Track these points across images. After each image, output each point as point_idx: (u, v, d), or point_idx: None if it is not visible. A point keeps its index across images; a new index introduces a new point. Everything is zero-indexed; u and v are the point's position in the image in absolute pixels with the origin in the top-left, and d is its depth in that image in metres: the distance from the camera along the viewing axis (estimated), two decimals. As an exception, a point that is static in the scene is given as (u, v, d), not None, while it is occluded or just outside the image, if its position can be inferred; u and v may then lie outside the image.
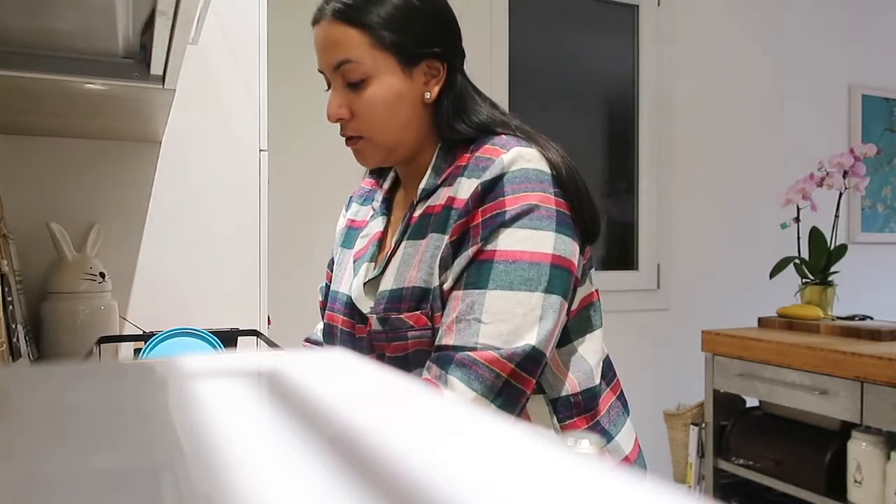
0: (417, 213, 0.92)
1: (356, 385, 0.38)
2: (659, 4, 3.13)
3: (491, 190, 0.83)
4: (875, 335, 2.19)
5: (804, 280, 2.56)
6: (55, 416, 0.32)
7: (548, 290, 0.81)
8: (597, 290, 0.95)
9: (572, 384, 0.90)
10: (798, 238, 2.56)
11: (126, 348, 1.27)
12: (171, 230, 1.41)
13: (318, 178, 2.48)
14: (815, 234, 2.53)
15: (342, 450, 0.26)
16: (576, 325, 0.91)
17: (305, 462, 0.25)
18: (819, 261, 2.52)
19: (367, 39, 0.87)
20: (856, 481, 2.01)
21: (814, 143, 3.35)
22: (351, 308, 0.95)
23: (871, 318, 2.46)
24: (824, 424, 2.17)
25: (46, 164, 1.34)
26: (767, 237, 3.02)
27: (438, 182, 0.90)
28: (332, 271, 1.08)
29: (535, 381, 0.82)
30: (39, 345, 1.24)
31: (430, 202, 0.90)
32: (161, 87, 0.93)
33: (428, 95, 0.91)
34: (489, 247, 0.81)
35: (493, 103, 0.96)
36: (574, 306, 0.90)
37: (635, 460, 0.96)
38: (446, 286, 0.84)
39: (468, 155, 0.88)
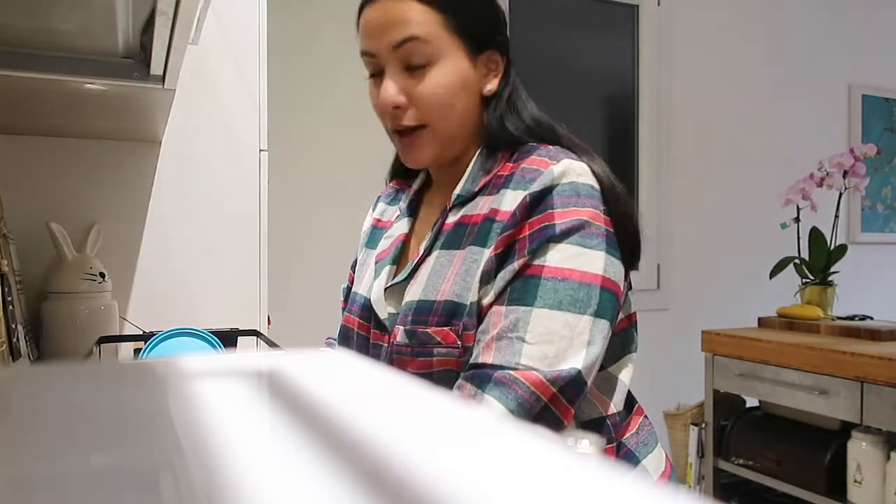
0: (451, 220, 0.86)
1: (356, 385, 0.38)
2: (659, 4, 3.13)
3: (540, 202, 0.78)
4: (875, 335, 2.19)
5: (804, 280, 2.56)
6: (55, 416, 0.32)
7: (597, 314, 0.76)
8: (635, 313, 0.90)
9: (606, 407, 0.84)
10: (798, 238, 2.56)
11: (126, 348, 1.27)
12: (171, 230, 1.41)
13: (318, 178, 2.48)
14: (815, 234, 2.53)
15: (342, 450, 0.26)
16: (611, 351, 0.84)
17: (305, 462, 0.25)
18: (819, 261, 2.52)
19: (438, 18, 0.81)
20: (856, 481, 2.01)
21: (814, 143, 3.35)
22: (368, 311, 0.90)
23: (871, 318, 2.46)
24: (824, 424, 2.17)
25: (46, 164, 1.34)
26: (767, 237, 3.02)
27: (476, 189, 0.85)
28: (354, 273, 1.04)
29: (573, 412, 0.76)
30: (39, 345, 1.24)
31: (466, 210, 0.85)
32: (161, 87, 0.93)
33: (488, 88, 0.86)
34: (537, 261, 0.76)
35: (539, 108, 0.91)
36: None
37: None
38: (486, 301, 0.79)
39: (511, 164, 0.83)
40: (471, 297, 0.79)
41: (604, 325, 0.77)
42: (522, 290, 0.76)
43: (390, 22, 0.82)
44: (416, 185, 0.99)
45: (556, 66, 3.00)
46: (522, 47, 2.88)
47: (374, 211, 1.06)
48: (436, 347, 0.80)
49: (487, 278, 0.79)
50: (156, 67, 0.89)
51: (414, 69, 0.82)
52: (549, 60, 2.99)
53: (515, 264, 0.77)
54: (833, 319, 2.43)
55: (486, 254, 0.79)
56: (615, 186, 0.82)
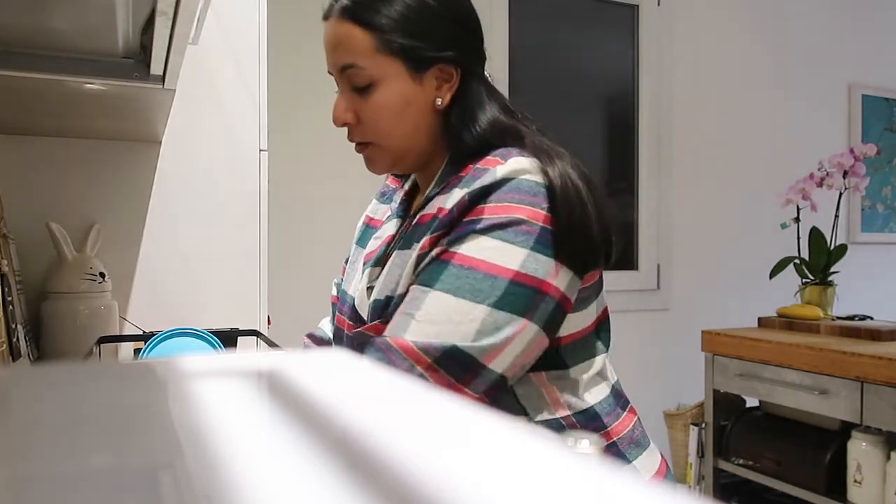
0: (414, 221, 0.88)
1: (356, 385, 0.38)
2: (659, 4, 3.13)
3: (478, 200, 0.78)
4: (875, 335, 2.19)
5: (804, 280, 2.56)
6: (55, 416, 0.32)
7: (496, 306, 0.74)
8: (604, 313, 0.90)
9: (560, 406, 0.84)
10: (798, 238, 2.56)
11: (126, 348, 1.27)
12: (171, 230, 1.41)
13: (318, 178, 2.48)
14: (815, 234, 2.53)
15: (342, 450, 0.26)
16: (573, 352, 0.85)
17: (305, 462, 0.25)
18: (819, 261, 2.52)
19: (374, 43, 0.82)
20: (856, 481, 2.01)
21: (814, 143, 3.35)
22: (355, 312, 0.92)
23: (871, 318, 2.46)
24: (824, 424, 2.17)
25: (46, 164, 1.34)
26: (767, 237, 3.02)
27: (439, 191, 0.86)
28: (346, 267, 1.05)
29: (470, 392, 0.75)
30: (39, 345, 1.24)
31: (424, 211, 0.86)
32: (161, 87, 0.93)
33: (439, 102, 0.86)
34: (452, 249, 0.78)
35: (507, 109, 0.89)
36: (569, 332, 0.84)
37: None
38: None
39: (472, 165, 0.83)
40: (399, 289, 0.82)
41: (503, 317, 0.75)
42: (430, 272, 0.78)
43: (334, 45, 0.85)
44: (406, 186, 1.00)
45: (556, 66, 3.00)
46: (522, 47, 2.88)
47: (368, 209, 1.08)
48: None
49: (415, 268, 0.82)
50: (156, 67, 0.89)
51: (360, 89, 0.85)
52: (549, 60, 2.99)
53: (434, 251, 0.79)
54: (833, 319, 2.43)
55: (419, 247, 0.82)
56: (570, 187, 0.79)
